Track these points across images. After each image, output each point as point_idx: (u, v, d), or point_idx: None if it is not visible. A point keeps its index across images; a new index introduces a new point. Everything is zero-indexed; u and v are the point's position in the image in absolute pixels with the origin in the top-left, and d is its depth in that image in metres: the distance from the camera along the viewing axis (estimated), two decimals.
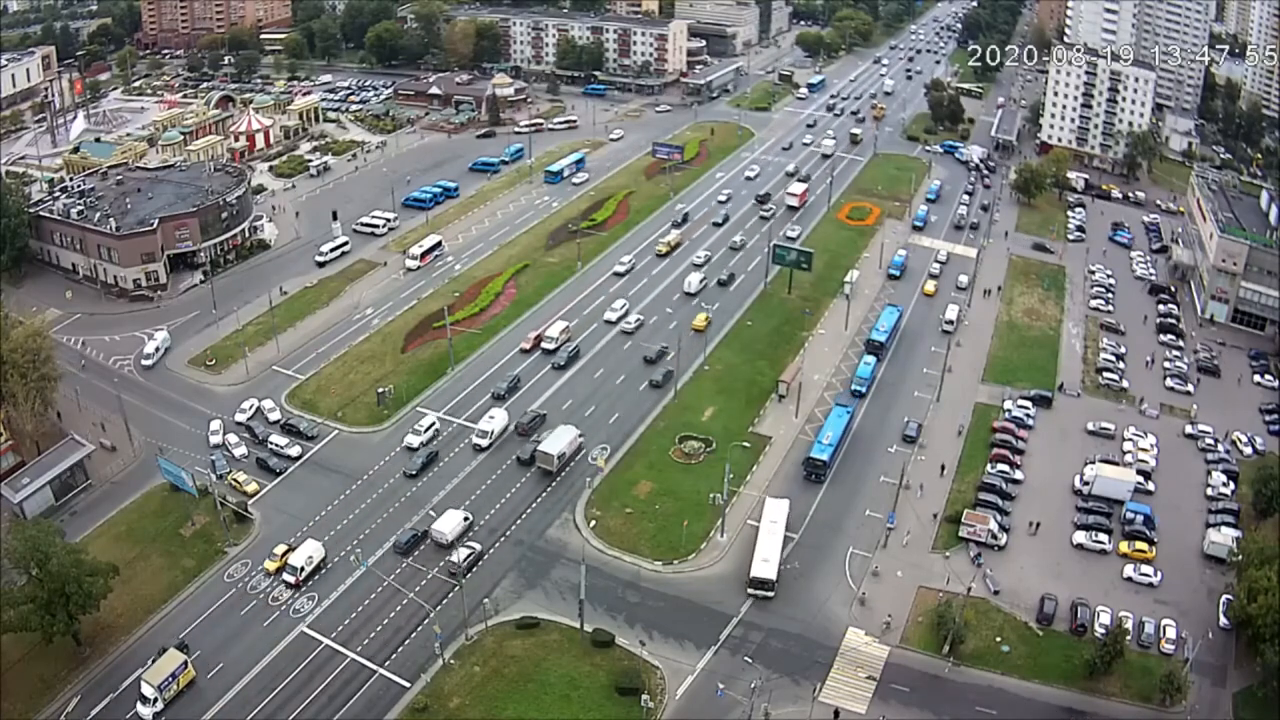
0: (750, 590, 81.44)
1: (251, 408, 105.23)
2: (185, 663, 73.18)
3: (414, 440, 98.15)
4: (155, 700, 70.96)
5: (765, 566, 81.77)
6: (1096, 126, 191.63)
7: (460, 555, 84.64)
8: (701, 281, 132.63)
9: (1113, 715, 73.65)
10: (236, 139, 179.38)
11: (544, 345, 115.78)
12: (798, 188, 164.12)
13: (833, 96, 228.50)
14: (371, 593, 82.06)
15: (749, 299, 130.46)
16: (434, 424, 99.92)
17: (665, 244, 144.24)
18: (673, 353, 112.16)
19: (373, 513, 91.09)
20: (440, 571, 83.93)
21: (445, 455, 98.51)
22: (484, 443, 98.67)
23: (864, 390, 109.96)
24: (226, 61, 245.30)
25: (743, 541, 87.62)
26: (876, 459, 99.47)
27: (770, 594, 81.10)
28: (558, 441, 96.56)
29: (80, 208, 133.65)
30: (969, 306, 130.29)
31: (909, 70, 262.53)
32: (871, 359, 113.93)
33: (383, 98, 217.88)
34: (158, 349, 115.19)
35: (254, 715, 71.63)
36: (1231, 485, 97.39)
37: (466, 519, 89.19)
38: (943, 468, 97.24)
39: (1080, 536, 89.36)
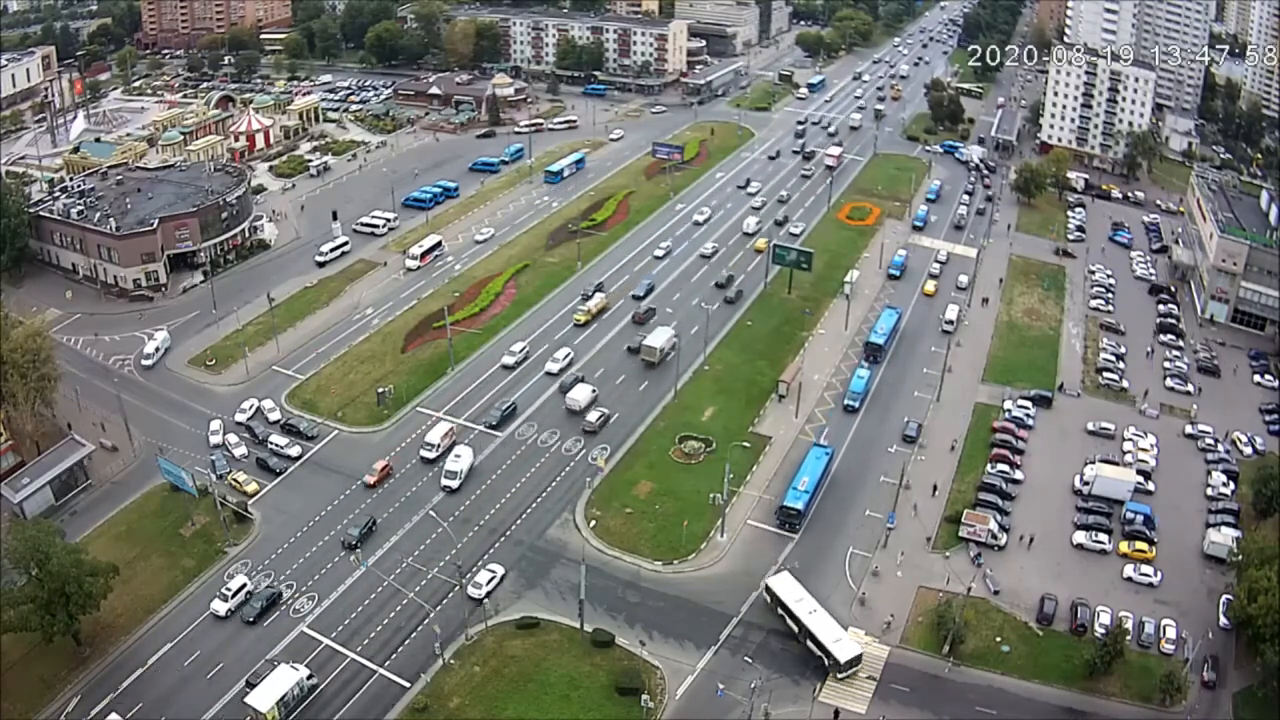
0: (841, 675, 74.36)
1: (251, 408, 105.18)
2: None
3: (220, 606, 79.92)
4: None
5: (846, 645, 74.83)
6: (1096, 126, 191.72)
7: (594, 417, 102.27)
8: (758, 224, 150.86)
9: (1113, 715, 73.66)
10: (236, 139, 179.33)
11: (423, 453, 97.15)
12: (835, 149, 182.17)
13: (800, 123, 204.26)
14: (371, 593, 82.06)
15: (749, 299, 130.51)
16: (244, 584, 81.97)
17: (585, 312, 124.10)
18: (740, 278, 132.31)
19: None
20: (578, 431, 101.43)
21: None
22: (454, 484, 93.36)
23: (857, 405, 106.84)
24: (226, 61, 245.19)
25: (743, 542, 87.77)
26: (876, 459, 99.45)
27: (860, 665, 75.35)
28: (659, 338, 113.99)
29: (80, 208, 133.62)
30: (969, 306, 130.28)
31: (920, 58, 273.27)
32: (865, 373, 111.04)
33: (383, 98, 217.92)
34: (158, 349, 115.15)
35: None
36: (1231, 485, 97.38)
37: (594, 391, 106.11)
38: (934, 487, 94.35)
39: (1080, 536, 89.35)
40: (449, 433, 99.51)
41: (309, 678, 72.87)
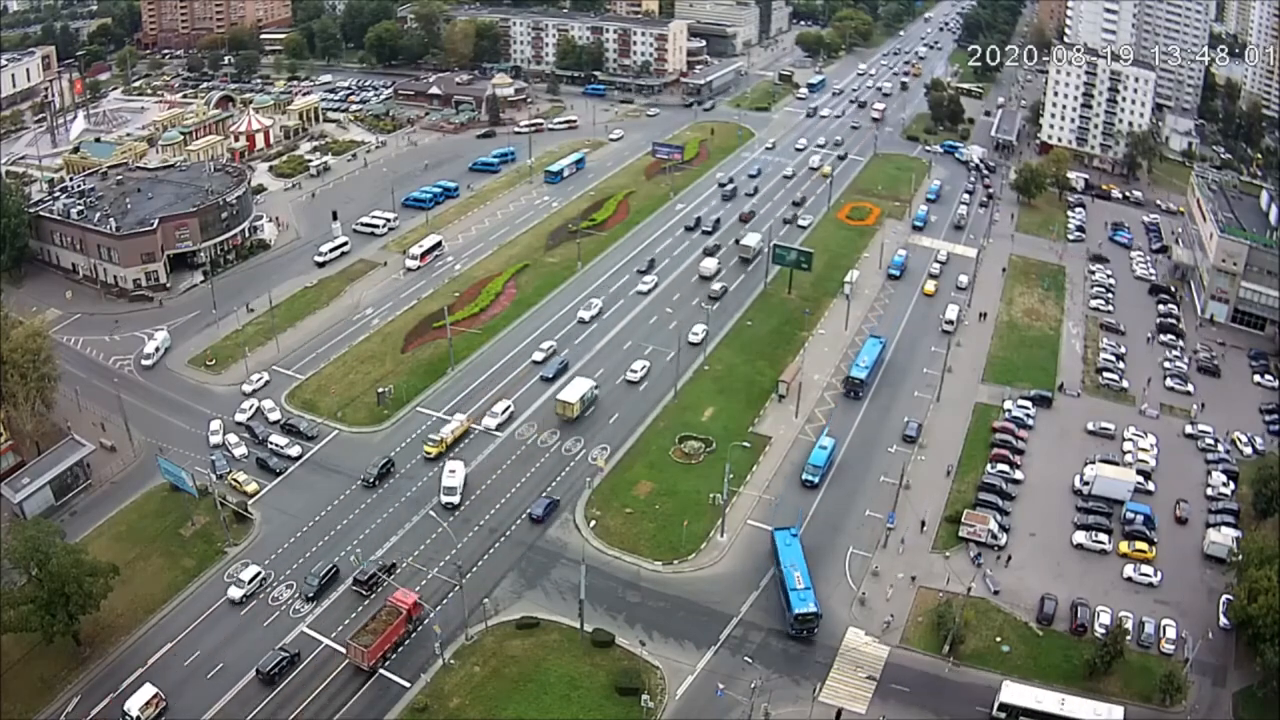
0: None
1: (251, 408, 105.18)
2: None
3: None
4: None
5: (1110, 711, 71.36)
6: (1096, 126, 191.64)
7: (717, 286, 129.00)
8: (823, 159, 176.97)
9: None
10: (236, 139, 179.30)
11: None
12: (879, 105, 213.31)
13: (723, 184, 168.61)
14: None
15: (749, 299, 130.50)
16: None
17: (436, 443, 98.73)
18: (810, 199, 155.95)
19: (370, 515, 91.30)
20: (702, 299, 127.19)
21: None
22: (455, 499, 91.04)
23: (816, 481, 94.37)
24: (226, 61, 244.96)
25: (743, 542, 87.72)
26: (876, 459, 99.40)
27: None
28: (753, 238, 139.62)
29: (80, 208, 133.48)
30: (968, 308, 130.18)
31: (934, 44, 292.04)
32: (829, 442, 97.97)
33: (383, 98, 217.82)
34: (158, 349, 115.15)
35: (254, 715, 71.65)
36: (1231, 485, 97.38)
37: (719, 265, 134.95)
38: (923, 523, 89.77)
39: (1080, 536, 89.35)
40: (153, 700, 72.29)
41: (595, 387, 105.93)
